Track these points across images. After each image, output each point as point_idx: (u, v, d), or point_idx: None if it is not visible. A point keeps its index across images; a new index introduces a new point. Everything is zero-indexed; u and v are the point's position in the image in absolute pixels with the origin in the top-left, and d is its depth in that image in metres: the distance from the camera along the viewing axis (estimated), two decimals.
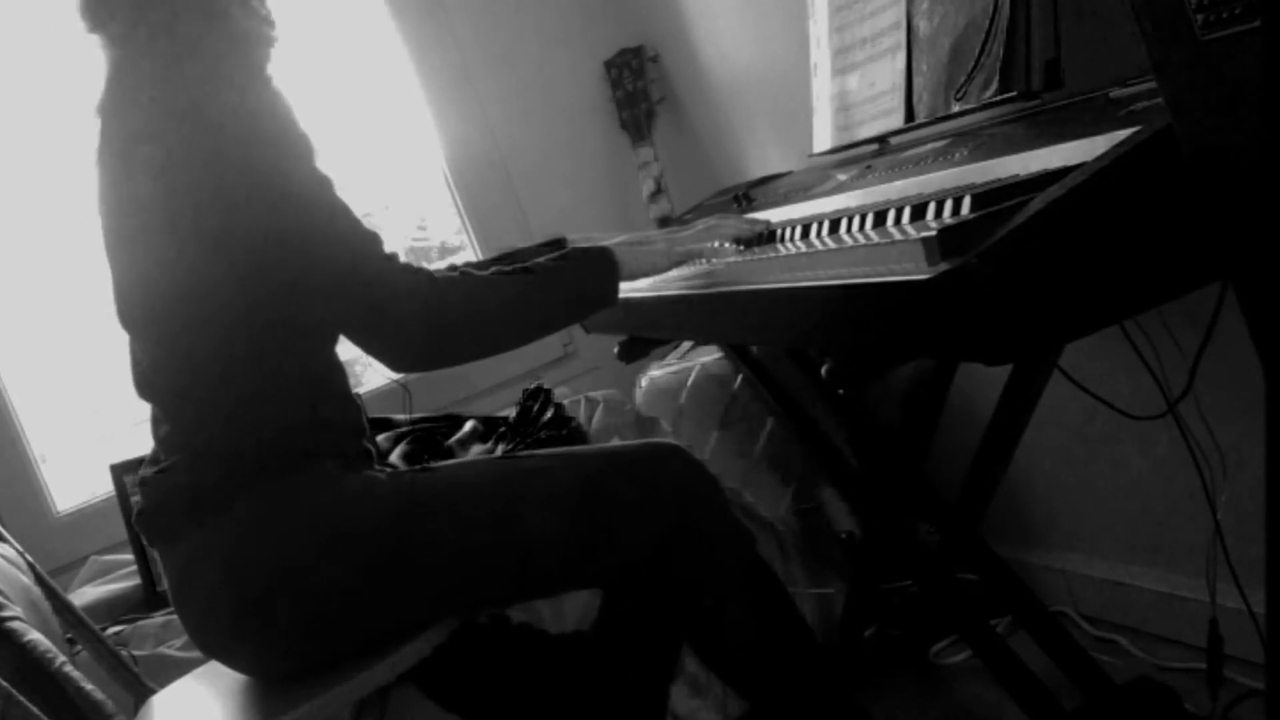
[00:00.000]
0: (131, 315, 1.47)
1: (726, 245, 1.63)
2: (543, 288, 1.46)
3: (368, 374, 2.77)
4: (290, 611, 1.38)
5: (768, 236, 1.58)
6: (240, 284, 1.38)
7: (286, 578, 1.37)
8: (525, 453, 1.54)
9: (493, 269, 1.48)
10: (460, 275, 1.44)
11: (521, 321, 1.46)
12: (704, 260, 1.60)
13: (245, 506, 1.37)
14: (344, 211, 1.38)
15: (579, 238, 1.72)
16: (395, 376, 2.15)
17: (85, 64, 1.46)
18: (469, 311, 1.40)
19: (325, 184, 1.38)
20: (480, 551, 1.42)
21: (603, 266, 1.50)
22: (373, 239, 1.39)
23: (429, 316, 1.37)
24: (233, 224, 1.36)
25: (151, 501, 1.42)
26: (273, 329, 1.41)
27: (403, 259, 1.41)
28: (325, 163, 1.39)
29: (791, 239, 1.51)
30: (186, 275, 1.39)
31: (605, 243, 1.55)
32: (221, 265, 1.37)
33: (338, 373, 1.50)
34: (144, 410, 1.51)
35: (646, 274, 1.56)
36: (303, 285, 1.38)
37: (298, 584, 1.37)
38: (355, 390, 1.54)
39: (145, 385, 1.47)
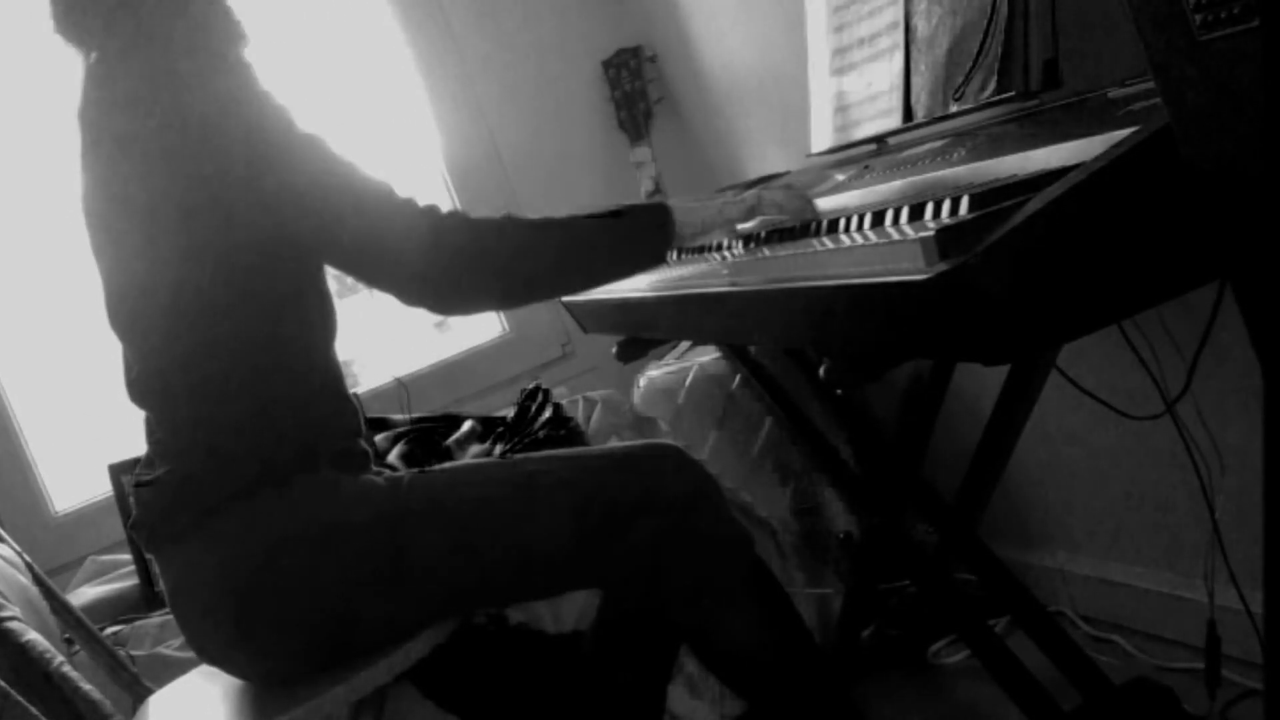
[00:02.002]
0: (123, 320, 1.47)
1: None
2: (584, 236, 1.46)
3: (365, 374, 2.77)
4: (288, 619, 1.37)
5: (764, 236, 1.58)
6: (238, 277, 1.38)
7: (283, 585, 1.36)
8: (523, 455, 1.53)
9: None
10: (486, 220, 1.42)
11: (546, 269, 1.45)
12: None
13: (241, 513, 1.36)
14: (343, 169, 1.38)
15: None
16: (395, 374, 2.15)
17: (66, 68, 1.47)
18: (473, 254, 1.40)
19: (315, 143, 1.38)
20: (478, 555, 1.42)
21: (658, 219, 1.48)
22: (376, 190, 1.39)
23: (428, 256, 1.38)
24: (223, 212, 1.36)
25: (147, 509, 1.42)
26: (267, 333, 1.41)
27: (423, 203, 1.40)
28: (306, 125, 1.39)
29: (789, 239, 1.50)
30: (178, 276, 1.39)
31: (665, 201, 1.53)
32: (214, 261, 1.37)
33: (334, 374, 1.49)
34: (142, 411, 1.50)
35: (710, 226, 1.51)
36: (307, 244, 1.40)
37: (295, 591, 1.36)
38: (353, 390, 1.53)
39: (138, 392, 1.46)
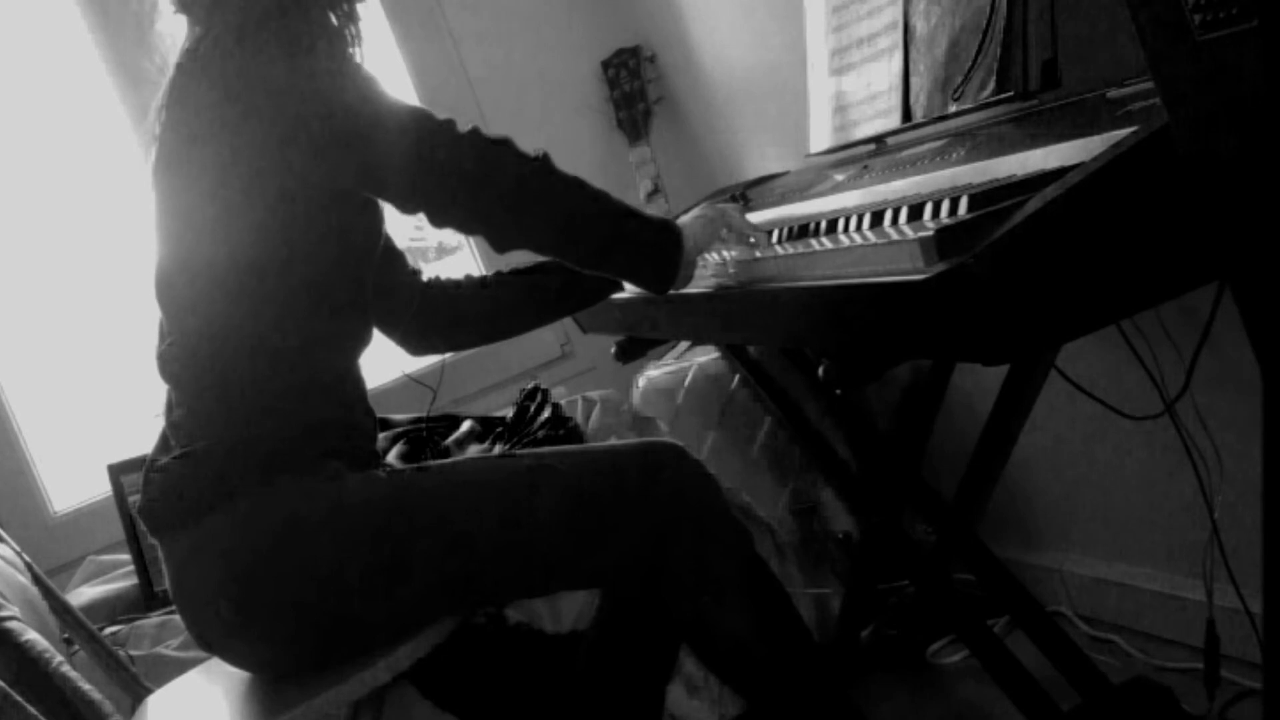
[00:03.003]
0: (170, 290, 1.47)
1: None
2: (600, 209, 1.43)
3: (364, 373, 2.76)
4: (288, 606, 1.38)
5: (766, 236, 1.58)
6: (288, 265, 1.41)
7: (285, 571, 1.37)
8: (524, 451, 1.54)
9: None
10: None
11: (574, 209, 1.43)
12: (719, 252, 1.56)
13: (247, 500, 1.37)
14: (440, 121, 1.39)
15: None
16: (409, 371, 2.11)
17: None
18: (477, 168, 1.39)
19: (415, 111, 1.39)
20: (477, 547, 1.42)
21: (671, 237, 1.45)
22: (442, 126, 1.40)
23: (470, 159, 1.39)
24: (287, 178, 1.38)
25: (157, 491, 1.42)
26: (306, 325, 1.43)
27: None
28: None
29: (788, 239, 1.51)
30: (233, 252, 1.41)
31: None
32: (272, 242, 1.40)
33: (357, 379, 1.52)
34: (141, 410, 1.50)
35: (701, 248, 1.50)
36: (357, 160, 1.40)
37: (296, 578, 1.37)
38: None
39: (167, 362, 1.47)
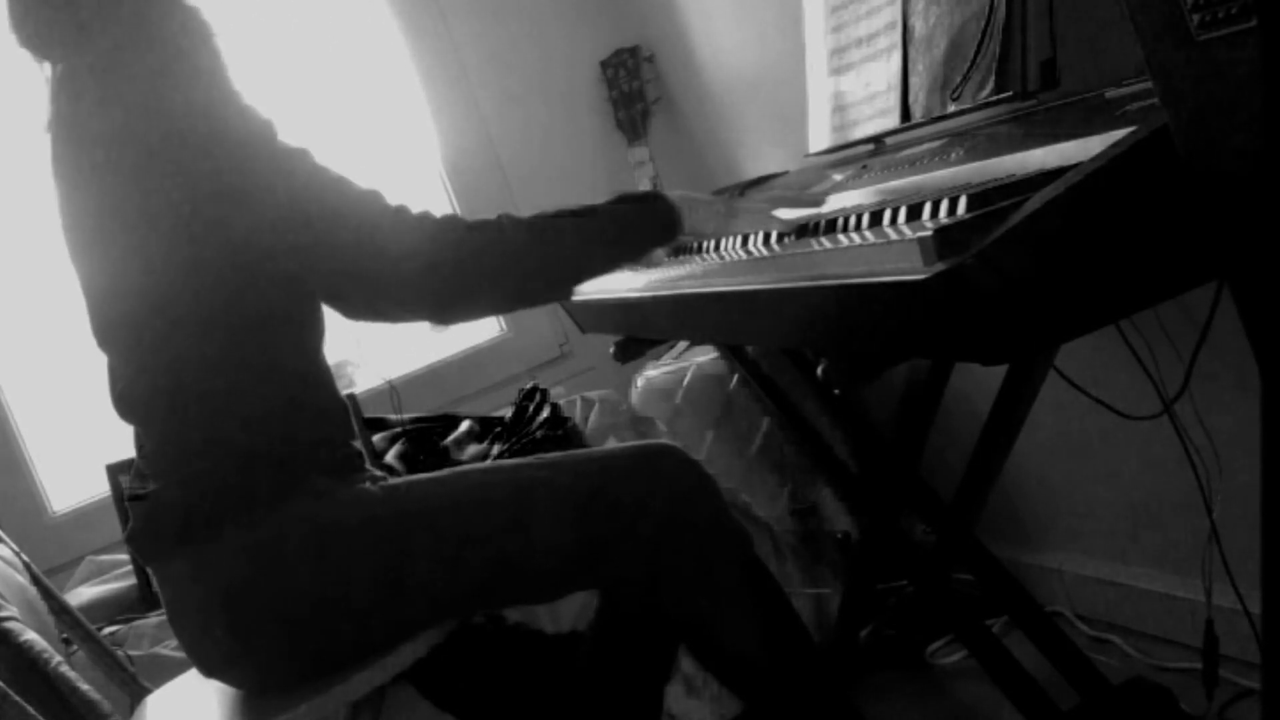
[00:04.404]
0: (110, 330, 1.44)
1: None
2: (579, 232, 1.44)
3: (361, 375, 2.77)
4: (286, 631, 1.37)
5: (766, 235, 1.58)
6: (226, 286, 1.37)
7: (281, 597, 1.35)
8: (521, 460, 1.52)
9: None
10: (483, 223, 1.41)
11: (544, 269, 1.44)
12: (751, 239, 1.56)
13: (233, 526, 1.35)
14: (331, 181, 1.37)
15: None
16: (386, 376, 2.15)
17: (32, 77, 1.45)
18: (477, 265, 1.38)
19: (301, 156, 1.37)
20: (477, 562, 1.41)
21: (661, 210, 1.48)
22: (367, 200, 1.38)
23: (427, 263, 1.36)
24: (210, 222, 1.35)
25: (141, 523, 1.41)
26: (258, 342, 1.40)
27: (414, 208, 1.39)
28: (291, 138, 1.38)
29: (787, 239, 1.50)
30: (167, 287, 1.37)
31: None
32: (207, 267, 1.36)
33: (323, 380, 1.48)
34: None
35: (699, 231, 1.51)
36: (302, 269, 1.38)
37: (293, 603, 1.36)
38: (348, 391, 1.53)
39: (126, 404, 1.44)
